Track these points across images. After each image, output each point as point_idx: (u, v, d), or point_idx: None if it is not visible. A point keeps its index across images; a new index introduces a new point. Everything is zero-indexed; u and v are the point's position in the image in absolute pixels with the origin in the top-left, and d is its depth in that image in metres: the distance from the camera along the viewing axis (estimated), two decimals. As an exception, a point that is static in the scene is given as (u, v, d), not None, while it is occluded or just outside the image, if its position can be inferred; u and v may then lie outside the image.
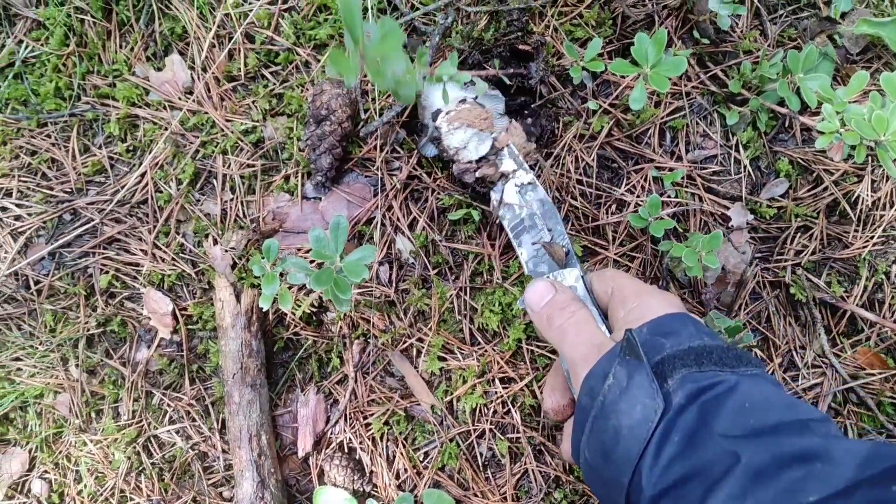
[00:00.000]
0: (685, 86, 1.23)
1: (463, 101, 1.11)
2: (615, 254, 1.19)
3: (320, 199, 1.24)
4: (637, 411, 0.70)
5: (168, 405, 1.25)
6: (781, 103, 1.19)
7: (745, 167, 1.24)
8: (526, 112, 1.24)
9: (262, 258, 1.02)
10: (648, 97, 1.22)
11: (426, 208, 1.20)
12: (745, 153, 1.24)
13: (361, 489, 1.20)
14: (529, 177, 1.09)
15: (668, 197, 1.20)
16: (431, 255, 1.21)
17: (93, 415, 1.27)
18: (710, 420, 0.67)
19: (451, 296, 1.20)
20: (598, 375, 0.76)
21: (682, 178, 1.20)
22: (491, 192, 1.12)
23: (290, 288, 1.18)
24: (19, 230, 1.28)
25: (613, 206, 1.23)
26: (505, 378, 1.20)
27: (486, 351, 1.19)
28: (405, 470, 1.20)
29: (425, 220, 1.20)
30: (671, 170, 1.22)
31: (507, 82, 1.16)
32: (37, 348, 1.26)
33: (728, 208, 1.23)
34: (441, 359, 1.20)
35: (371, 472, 1.21)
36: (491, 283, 1.20)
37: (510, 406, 1.19)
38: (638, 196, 1.21)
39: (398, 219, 1.21)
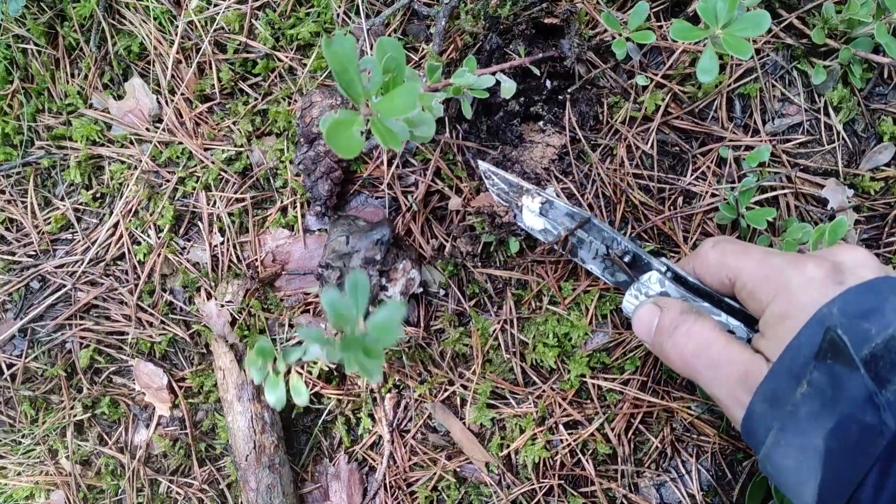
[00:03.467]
0: (754, 42, 1.03)
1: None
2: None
3: (325, 230, 1.07)
4: (852, 432, 0.58)
5: (177, 493, 1.12)
6: (878, 50, 1.02)
7: (838, 134, 1.07)
8: (561, 99, 1.06)
9: (258, 359, 0.87)
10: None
11: (453, 230, 1.03)
12: (837, 117, 1.06)
13: (416, 570, 1.05)
14: (536, 200, 0.95)
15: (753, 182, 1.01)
16: (465, 284, 1.04)
17: (93, 513, 1.14)
18: None
19: (494, 331, 1.05)
20: (762, 408, 0.65)
21: (768, 156, 1.01)
22: (518, 223, 0.95)
23: (301, 371, 1.03)
24: (-18, 307, 1.14)
25: (680, 200, 1.06)
26: (570, 422, 1.05)
27: (543, 392, 1.04)
28: (463, 541, 1.05)
29: (453, 244, 1.03)
30: (747, 147, 1.04)
31: (537, 72, 0.97)
32: (20, 442, 1.15)
33: (822, 186, 1.04)
34: (491, 406, 1.06)
35: (423, 548, 1.06)
36: (541, 310, 1.03)
37: (580, 455, 1.05)
38: (709, 184, 1.03)
39: (420, 245, 1.04)
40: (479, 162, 1.00)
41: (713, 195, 1.04)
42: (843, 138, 1.06)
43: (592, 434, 1.04)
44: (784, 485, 0.65)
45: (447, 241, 1.06)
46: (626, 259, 0.89)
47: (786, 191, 1.04)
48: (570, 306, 1.04)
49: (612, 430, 1.04)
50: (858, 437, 0.58)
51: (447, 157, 1.07)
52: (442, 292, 1.07)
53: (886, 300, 0.62)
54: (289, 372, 0.95)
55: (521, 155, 1.06)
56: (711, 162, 1.06)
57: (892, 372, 0.58)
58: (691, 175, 1.06)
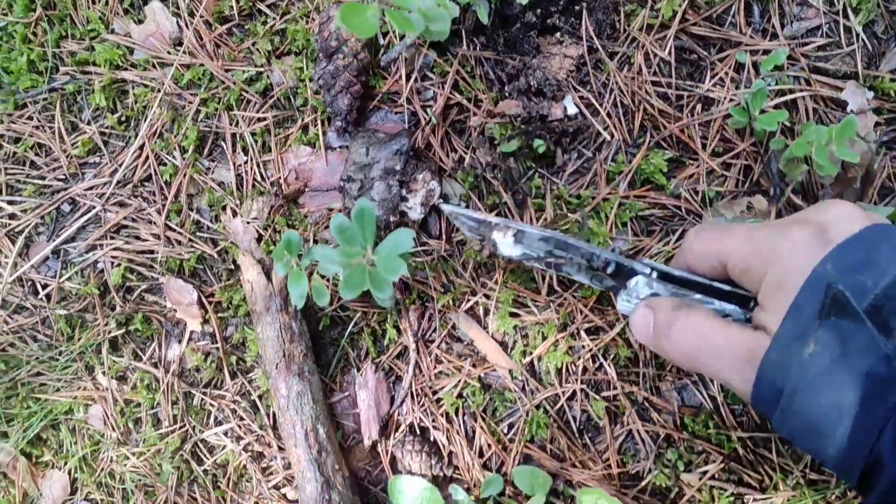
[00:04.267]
0: (772, -56, 1.04)
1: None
2: (709, 165, 1.03)
3: (347, 147, 1.10)
4: (867, 384, 0.59)
5: (211, 405, 1.16)
6: (898, -53, 0.99)
7: (857, 36, 1.07)
8: (578, 8, 1.07)
9: (284, 252, 0.91)
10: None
11: (473, 141, 1.05)
12: (857, 18, 1.07)
13: (441, 473, 1.10)
14: (508, 233, 0.93)
15: (769, 86, 1.02)
16: (485, 196, 1.06)
17: (131, 425, 1.20)
18: None
19: (515, 240, 1.05)
20: (772, 374, 0.65)
21: (784, 59, 1.02)
22: (494, 251, 0.96)
23: (328, 282, 1.06)
24: (16, 230, 1.19)
25: (699, 107, 1.07)
26: (592, 328, 1.07)
27: (565, 300, 1.07)
28: (488, 446, 1.10)
29: (472, 156, 1.05)
30: (765, 52, 1.04)
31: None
32: (57, 360, 1.19)
33: (841, 89, 1.04)
34: (513, 315, 1.09)
35: (450, 453, 1.11)
36: (565, 218, 1.05)
37: (602, 360, 1.07)
38: (727, 90, 1.04)
39: (440, 158, 1.06)
40: (443, 206, 1.00)
41: (731, 101, 1.06)
42: (862, 40, 1.06)
43: (614, 339, 1.07)
44: (803, 444, 0.66)
45: (466, 152, 1.08)
46: (610, 270, 0.88)
47: (804, 94, 1.05)
48: (589, 214, 1.07)
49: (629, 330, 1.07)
50: (873, 388, 0.58)
51: (466, 69, 1.09)
52: (463, 204, 1.10)
53: (877, 249, 0.62)
54: (311, 274, 0.99)
55: (542, 63, 1.07)
56: (729, 68, 1.07)
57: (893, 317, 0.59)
58: (709, 81, 1.08)
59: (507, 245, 0.93)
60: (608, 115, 1.08)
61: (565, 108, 1.08)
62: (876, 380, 0.58)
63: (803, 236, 0.66)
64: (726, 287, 0.79)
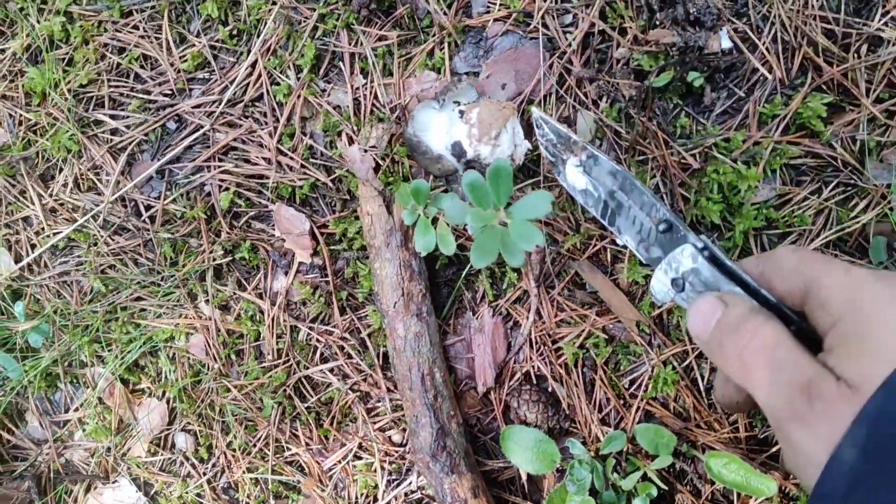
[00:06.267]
0: None
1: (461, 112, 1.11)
2: (871, 111, 1.06)
3: (475, 73, 1.15)
4: None
5: (318, 341, 1.25)
6: None
7: None
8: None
9: (410, 199, 0.97)
10: None
11: (616, 71, 1.09)
12: None
13: (557, 426, 1.19)
14: (583, 155, 0.97)
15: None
16: (624, 133, 1.10)
17: (233, 357, 1.30)
18: None
19: (653, 182, 1.10)
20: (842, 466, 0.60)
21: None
22: (558, 178, 1.01)
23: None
24: (119, 146, 1.28)
25: (865, 48, 1.09)
26: (731, 282, 1.11)
27: (703, 249, 1.10)
28: (608, 401, 1.17)
29: (613, 89, 1.09)
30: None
31: None
32: (159, 285, 1.29)
33: None
34: (644, 264, 1.12)
35: (568, 405, 1.17)
36: (713, 160, 1.09)
37: (739, 317, 1.11)
38: (901, 29, 1.06)
39: (577, 91, 1.11)
40: (533, 109, 1.04)
41: (905, 40, 1.07)
42: None
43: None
44: None
45: (608, 84, 1.12)
46: (662, 227, 0.89)
47: None
48: (744, 155, 1.10)
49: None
50: None
51: (612, -8, 1.12)
52: (597, 142, 1.14)
53: None
54: (436, 220, 1.06)
55: (699, -12, 1.10)
56: (904, 4, 1.08)
57: None
58: (879, 20, 1.09)
59: (574, 172, 0.98)
60: (766, 50, 1.10)
61: (720, 40, 1.11)
62: None
63: (881, 306, 0.63)
64: (773, 300, 0.77)
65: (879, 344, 0.61)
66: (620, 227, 0.94)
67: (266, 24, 1.22)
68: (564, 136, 1.00)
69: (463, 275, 1.22)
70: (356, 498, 1.29)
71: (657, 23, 1.12)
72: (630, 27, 1.12)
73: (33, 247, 1.37)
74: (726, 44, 1.12)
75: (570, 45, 1.13)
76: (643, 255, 0.92)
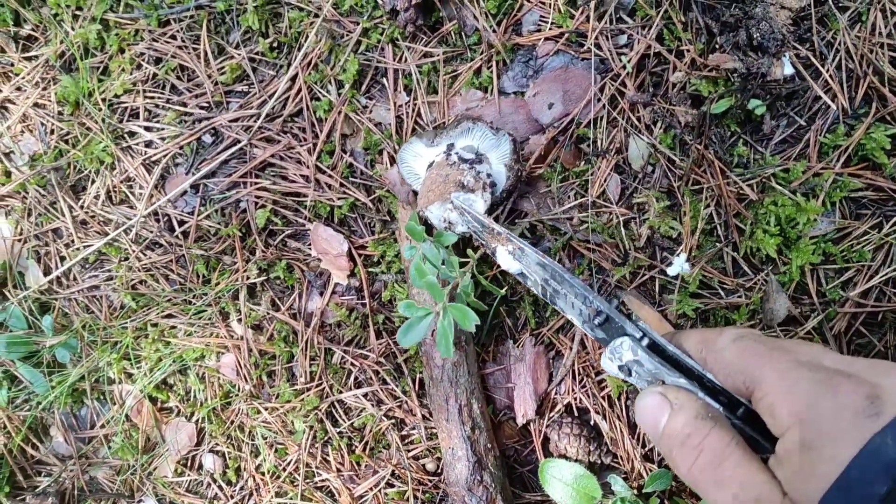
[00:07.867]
0: None
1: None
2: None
3: (522, 93, 1.11)
4: None
5: (352, 364, 1.23)
6: None
7: None
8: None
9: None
10: None
11: (672, 97, 1.06)
12: None
13: (598, 460, 1.16)
14: (508, 246, 0.97)
15: None
16: (678, 160, 1.07)
17: (264, 378, 1.28)
18: None
19: (707, 213, 1.07)
20: None
21: None
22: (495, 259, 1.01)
23: None
24: (153, 159, 1.25)
25: (932, 78, 1.05)
26: (786, 318, 1.07)
27: (756, 284, 1.07)
28: (652, 436, 1.12)
29: (671, 114, 1.06)
30: None
31: None
32: (191, 302, 1.26)
33: None
34: (695, 296, 1.10)
35: (610, 439, 1.14)
36: (771, 190, 1.05)
37: (793, 354, 1.07)
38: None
39: (630, 115, 1.07)
40: (453, 195, 1.03)
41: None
42: None
43: (809, 332, 1.08)
44: None
45: (663, 109, 1.09)
46: (598, 320, 0.87)
47: None
48: (802, 187, 1.07)
49: (831, 330, 1.08)
50: None
51: (668, 15, 1.08)
52: (649, 168, 1.11)
53: None
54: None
55: (766, 12, 1.06)
56: (979, 32, 1.04)
57: None
58: (952, 47, 1.05)
59: (506, 257, 0.98)
60: (830, 78, 1.07)
61: (783, 67, 1.07)
62: None
63: (851, 399, 0.62)
64: (718, 384, 0.76)
65: (823, 463, 0.61)
66: (562, 308, 0.94)
67: (308, 37, 1.18)
68: (487, 226, 0.99)
69: (504, 301, 1.19)
70: (388, 526, 1.26)
71: (717, 47, 1.08)
72: (688, 50, 1.08)
73: (62, 259, 1.35)
74: (789, 70, 1.08)
75: (624, 67, 1.10)
76: (589, 332, 0.91)
